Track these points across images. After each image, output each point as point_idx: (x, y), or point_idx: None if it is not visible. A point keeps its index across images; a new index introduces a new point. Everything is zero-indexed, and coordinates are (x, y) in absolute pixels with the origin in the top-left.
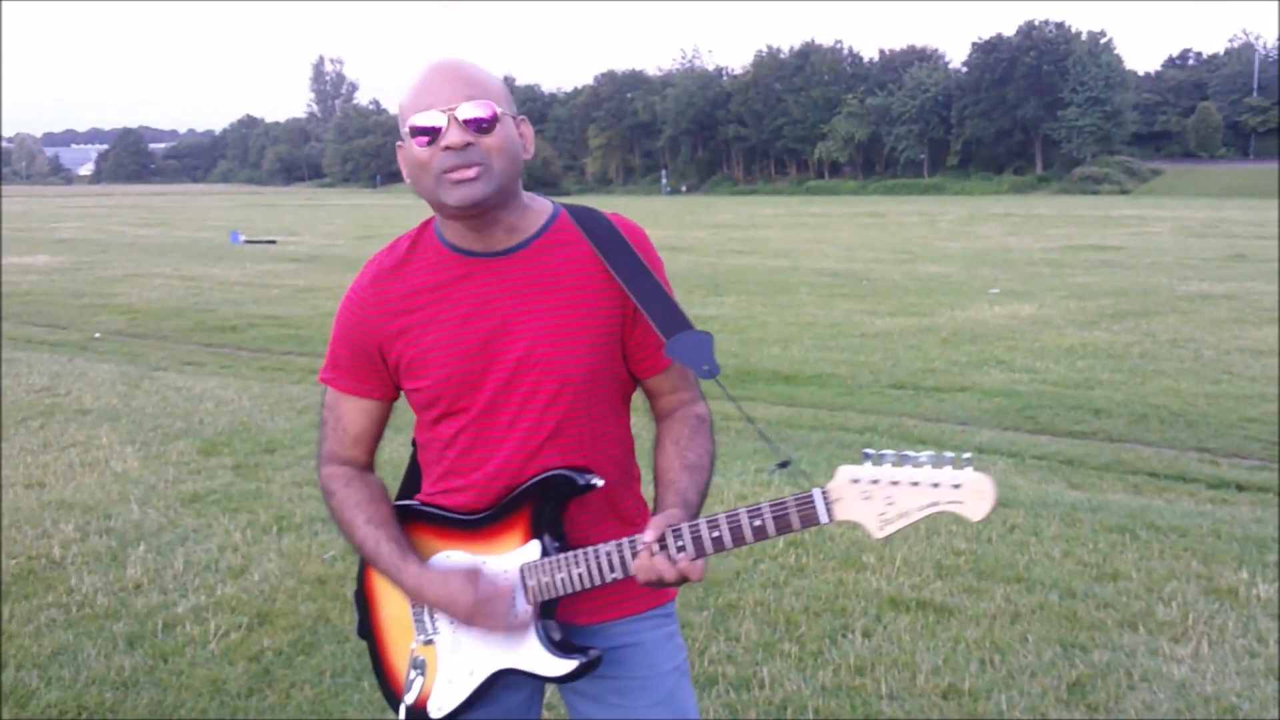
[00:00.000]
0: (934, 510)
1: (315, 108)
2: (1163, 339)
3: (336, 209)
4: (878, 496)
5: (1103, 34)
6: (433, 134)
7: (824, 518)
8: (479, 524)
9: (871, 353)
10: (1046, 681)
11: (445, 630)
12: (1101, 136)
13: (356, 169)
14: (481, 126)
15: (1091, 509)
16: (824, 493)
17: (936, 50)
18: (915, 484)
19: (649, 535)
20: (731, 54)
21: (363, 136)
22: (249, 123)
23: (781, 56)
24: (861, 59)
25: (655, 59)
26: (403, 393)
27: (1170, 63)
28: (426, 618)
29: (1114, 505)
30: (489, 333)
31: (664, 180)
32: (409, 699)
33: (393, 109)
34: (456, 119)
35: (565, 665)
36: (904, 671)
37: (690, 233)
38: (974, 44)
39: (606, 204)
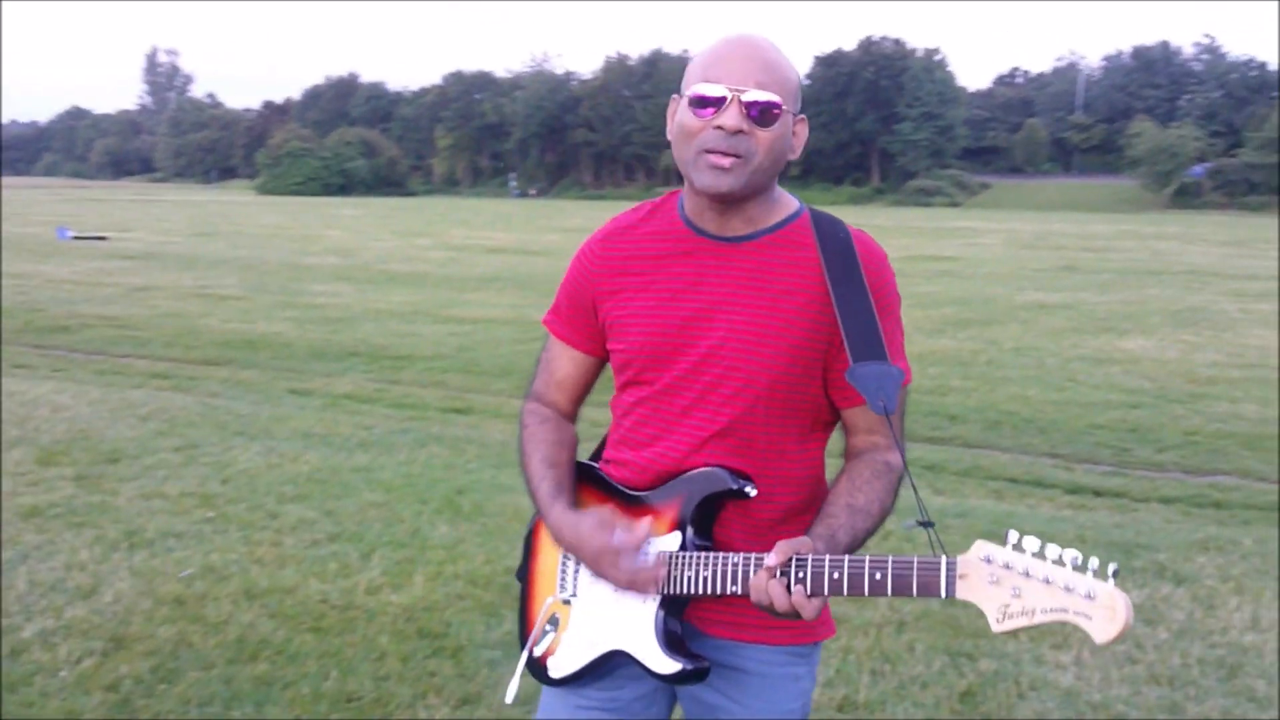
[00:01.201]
0: (1060, 617)
1: (148, 100)
2: (1006, 347)
3: (171, 205)
4: (1005, 584)
5: (937, 51)
6: (712, 107)
7: (943, 592)
8: (637, 501)
9: None
10: (939, 691)
11: (582, 594)
12: (935, 151)
13: (191, 164)
14: (762, 117)
15: (958, 514)
16: (952, 565)
17: None
18: (1048, 582)
19: (772, 558)
20: (581, 59)
21: (198, 131)
22: (76, 114)
23: (630, 63)
24: None
25: (504, 61)
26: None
27: (999, 80)
28: (570, 577)
29: (979, 511)
30: (692, 314)
31: (513, 183)
32: (537, 650)
33: (230, 102)
34: (741, 101)
35: (671, 665)
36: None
37: (544, 236)
38: (816, 58)
39: (453, 205)
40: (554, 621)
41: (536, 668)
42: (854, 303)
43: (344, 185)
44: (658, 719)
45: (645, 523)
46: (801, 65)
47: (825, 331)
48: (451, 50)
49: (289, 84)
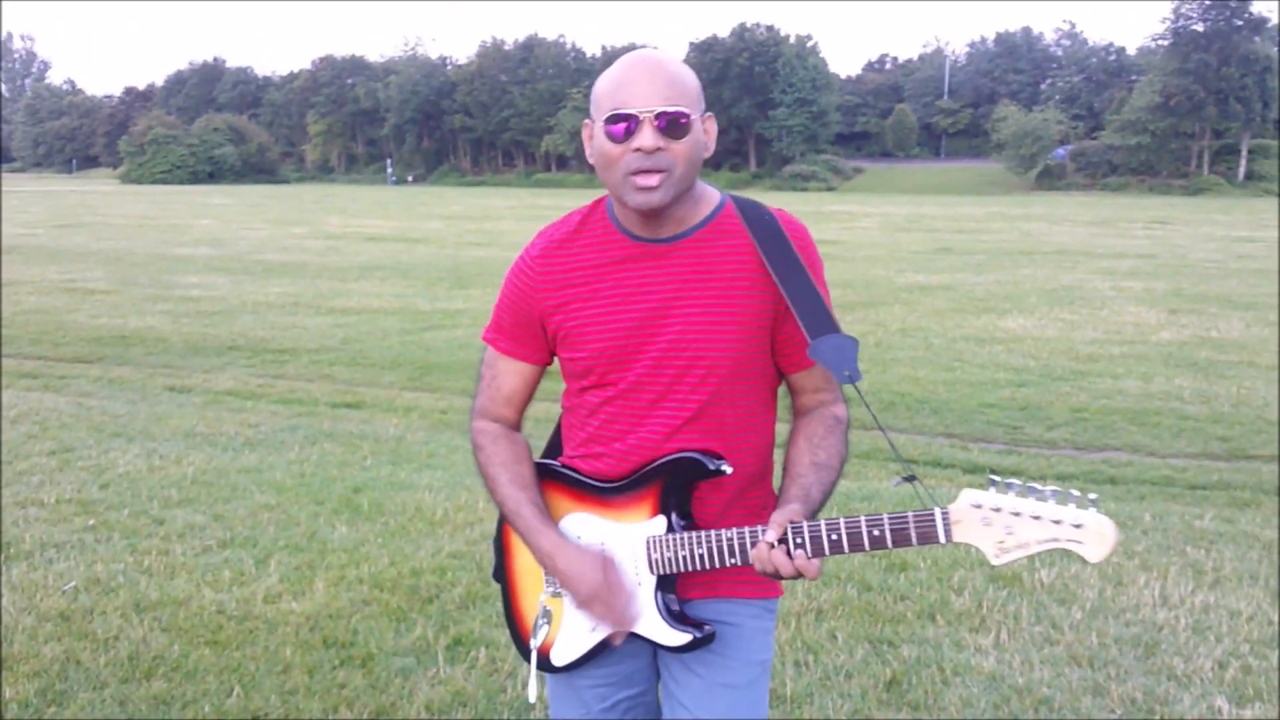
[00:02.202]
0: (1053, 545)
1: (3, 87)
2: (893, 328)
3: (30, 195)
4: (998, 524)
5: (809, 38)
6: (626, 132)
7: (942, 538)
8: (612, 492)
9: None
10: (864, 681)
11: None
12: (809, 136)
13: (50, 153)
14: (674, 131)
15: (864, 498)
16: (945, 514)
17: (657, 49)
18: (1037, 518)
19: (771, 534)
20: (455, 44)
21: (56, 118)
22: None
23: (506, 48)
24: (585, 55)
25: (377, 45)
26: (559, 360)
27: (869, 66)
28: None
29: (885, 494)
30: (645, 314)
31: (390, 170)
32: (535, 644)
33: (90, 89)
34: (652, 122)
35: (681, 637)
36: None
37: (425, 224)
38: (691, 44)
39: (328, 192)
40: (546, 615)
41: (540, 659)
42: (795, 280)
43: (212, 173)
44: (651, 684)
45: (627, 514)
46: (677, 51)
47: (770, 307)
48: (321, 34)
49: (151, 69)
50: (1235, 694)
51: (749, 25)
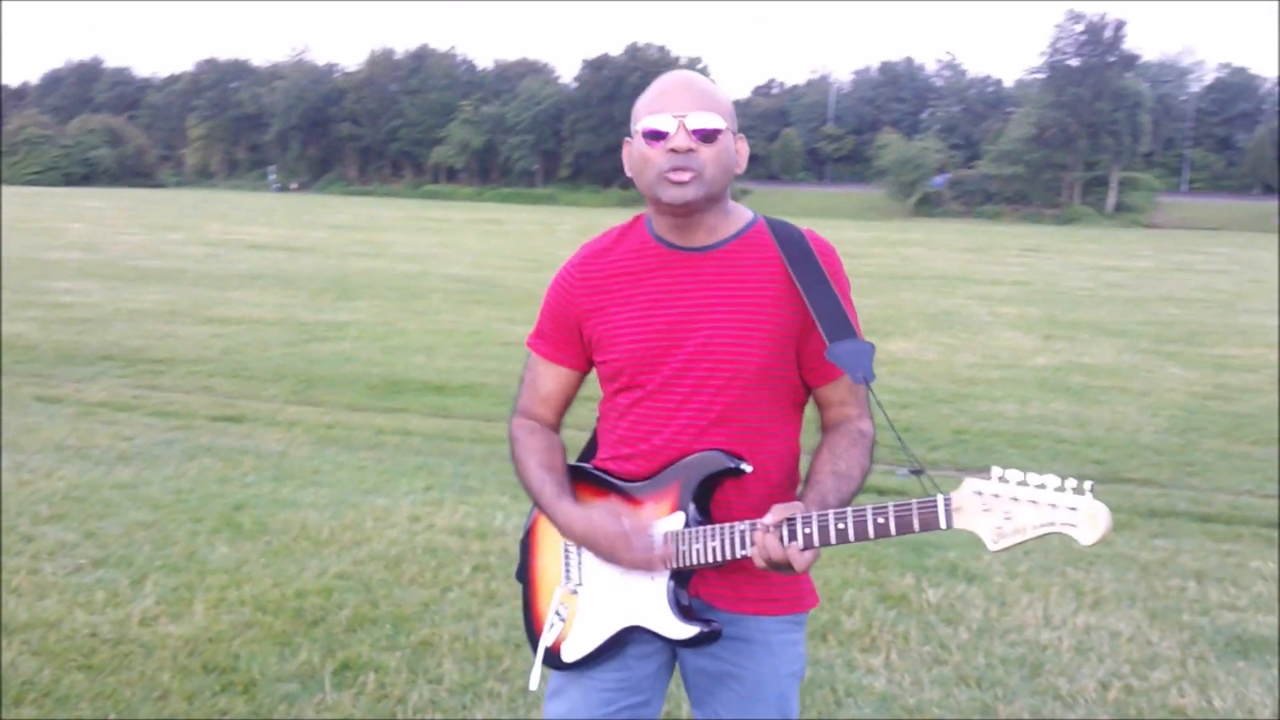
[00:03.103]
0: (1048, 530)
1: None
2: None
3: None
4: (997, 510)
5: (699, 60)
6: (662, 136)
7: (944, 524)
8: (635, 490)
9: (517, 361)
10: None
11: (590, 583)
12: None
13: None
14: (705, 136)
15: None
16: (948, 500)
17: (548, 64)
18: (1034, 503)
19: (769, 518)
20: (344, 51)
21: None
22: None
23: (396, 57)
24: (476, 67)
25: (262, 50)
26: (594, 365)
27: (757, 91)
28: (574, 568)
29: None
30: (674, 319)
31: (273, 176)
32: (547, 640)
33: None
34: (685, 126)
35: (687, 630)
36: None
37: (310, 233)
38: (584, 61)
39: (208, 198)
40: (560, 612)
41: (550, 655)
42: (819, 290)
43: (87, 175)
44: (661, 694)
45: (649, 510)
46: (568, 69)
47: (796, 320)
48: (204, 36)
49: (26, 67)
50: (1119, 715)
51: (640, 45)
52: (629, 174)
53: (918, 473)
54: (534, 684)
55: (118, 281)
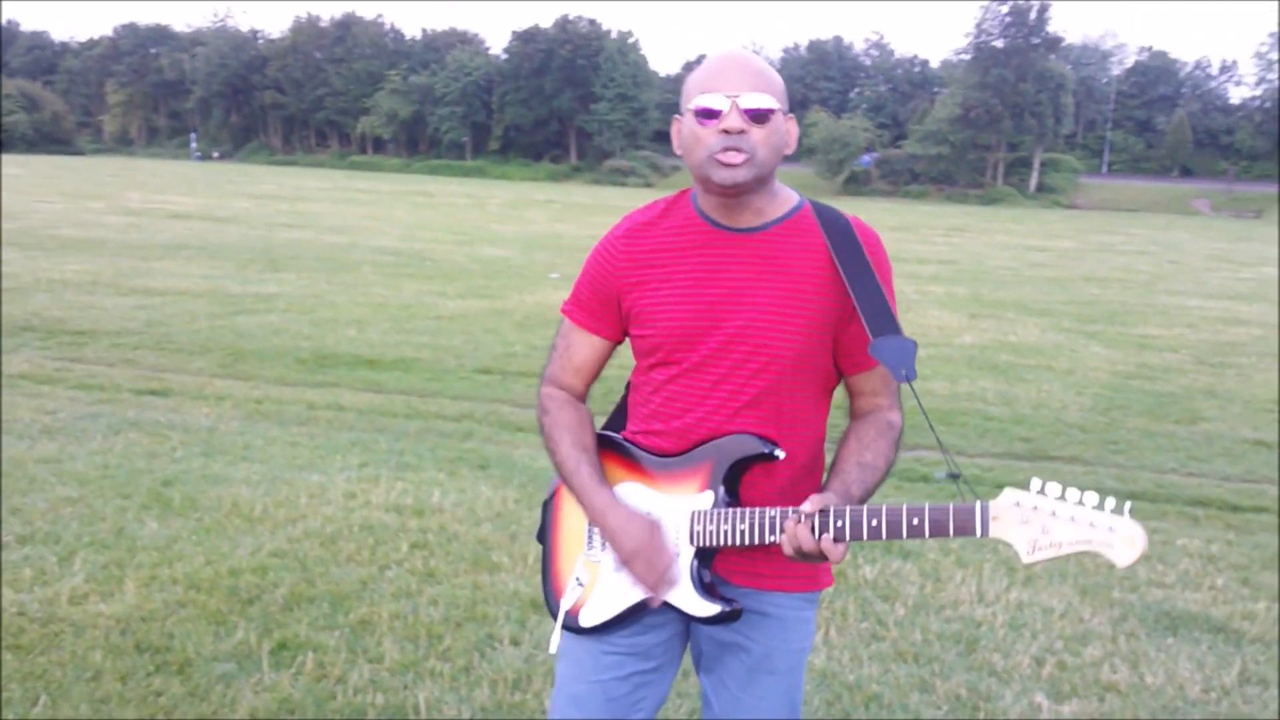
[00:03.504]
0: (1085, 548)
1: None
2: None
3: None
4: (1035, 523)
5: (630, 34)
6: (715, 115)
7: (980, 531)
8: (665, 465)
9: (451, 336)
10: (682, 684)
11: (614, 552)
12: (629, 131)
13: None
14: (758, 117)
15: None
16: (985, 508)
17: (477, 35)
18: (1073, 519)
19: (808, 505)
20: (268, 18)
21: None
22: None
23: (322, 25)
24: (404, 36)
25: (183, 14)
26: (628, 337)
27: (688, 66)
28: (599, 538)
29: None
30: (716, 298)
31: (194, 145)
32: (565, 604)
33: None
34: (738, 106)
35: (710, 608)
36: None
37: (233, 203)
38: (514, 33)
39: (127, 166)
40: (581, 577)
41: (568, 618)
42: (864, 281)
43: (2, 142)
44: (673, 662)
45: (679, 486)
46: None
47: (836, 307)
48: (124, 0)
49: None
50: (1053, 690)
51: (571, 18)
52: (677, 151)
53: (955, 477)
54: (554, 647)
55: (37, 251)
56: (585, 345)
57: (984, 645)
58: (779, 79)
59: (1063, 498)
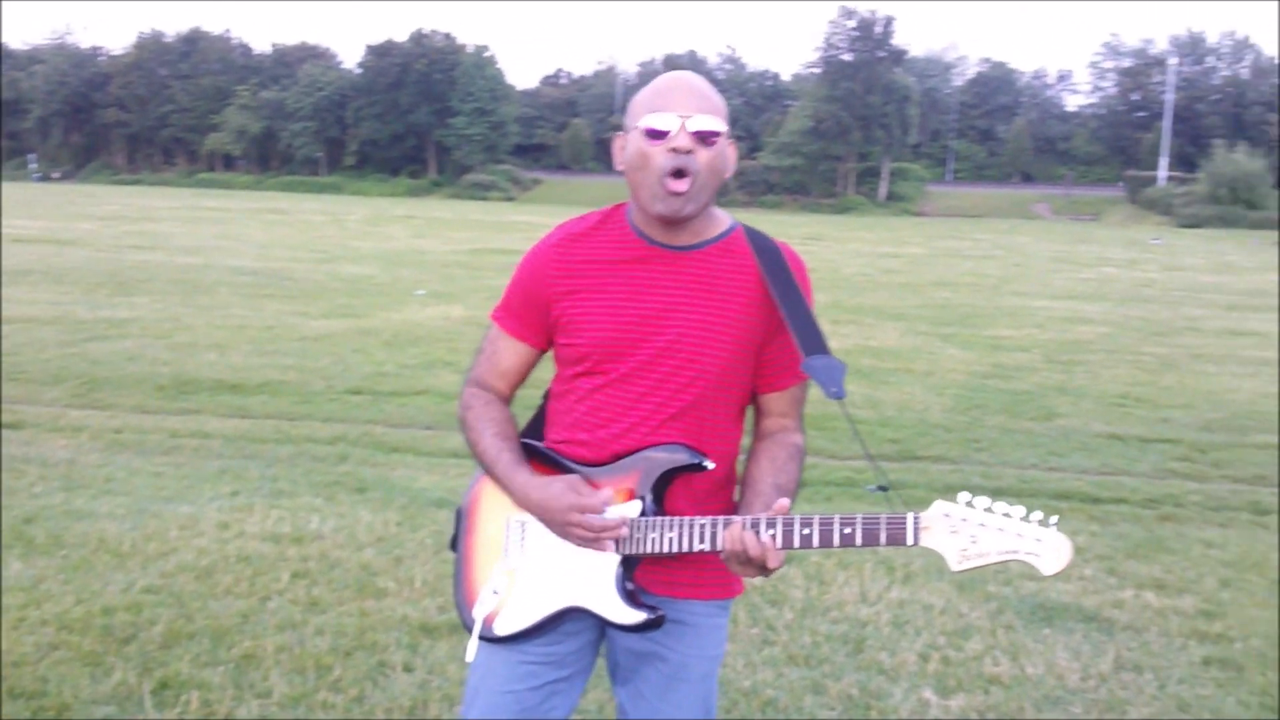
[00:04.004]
0: (1012, 557)
1: None
2: None
3: None
4: (963, 533)
5: (487, 49)
6: (662, 135)
7: (911, 540)
8: (592, 474)
9: (317, 357)
10: (600, 695)
11: (532, 560)
12: (489, 145)
13: None
14: (705, 139)
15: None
16: (917, 519)
17: (329, 49)
18: (1001, 530)
19: (757, 508)
20: (109, 34)
21: None
22: None
23: (166, 40)
24: (252, 51)
25: (20, 32)
26: (553, 346)
27: (546, 80)
28: (515, 544)
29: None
30: (648, 313)
31: (33, 165)
32: (480, 613)
33: None
34: (687, 128)
35: (635, 615)
36: (459, 705)
37: (77, 224)
38: (367, 47)
39: None
40: (497, 586)
41: (485, 629)
42: (793, 303)
43: None
44: (586, 670)
45: (607, 489)
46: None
47: (762, 328)
48: None
49: None
50: (940, 686)
51: (426, 31)
52: (618, 168)
53: (885, 489)
54: (470, 656)
55: None
56: (512, 352)
57: (870, 645)
58: (724, 103)
59: (990, 509)
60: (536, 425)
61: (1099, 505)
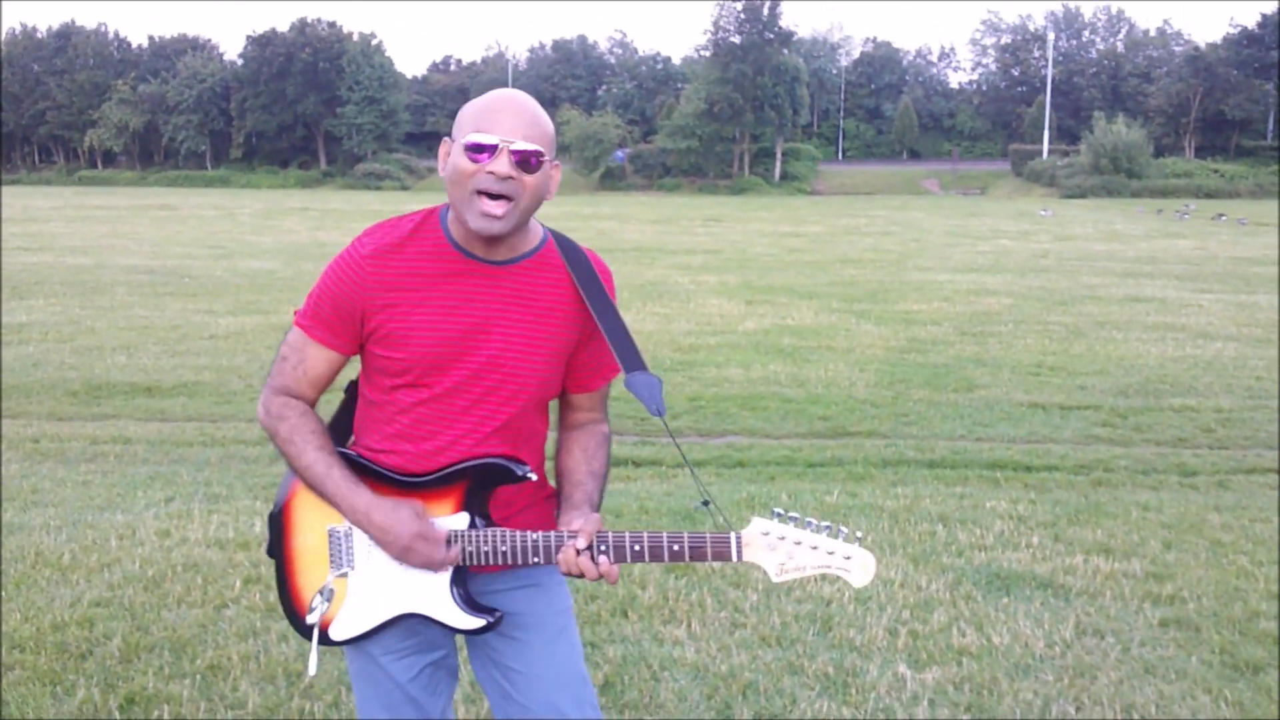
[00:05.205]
0: (825, 570)
1: None
2: None
3: None
4: (781, 549)
5: (373, 36)
6: (485, 154)
7: (735, 557)
8: (417, 486)
9: (231, 355)
10: None
11: (360, 566)
12: (380, 135)
13: None
14: (527, 165)
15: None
16: (739, 537)
17: (209, 40)
18: (814, 548)
19: (581, 540)
20: None
21: None
22: None
23: (39, 36)
24: (130, 44)
25: None
26: (365, 353)
27: (435, 68)
28: (343, 552)
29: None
30: (469, 328)
31: None
32: (312, 620)
33: None
34: (510, 150)
35: (474, 621)
36: None
37: None
38: (249, 37)
39: None
40: (326, 594)
41: (322, 635)
42: (607, 316)
43: None
44: (451, 641)
45: (447, 519)
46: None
47: (576, 336)
48: None
49: None
50: (912, 660)
51: (310, 20)
52: (441, 174)
53: (706, 504)
54: (313, 669)
55: None
56: (322, 360)
57: (839, 622)
58: (551, 127)
59: (802, 527)
60: (341, 426)
61: (1033, 473)
